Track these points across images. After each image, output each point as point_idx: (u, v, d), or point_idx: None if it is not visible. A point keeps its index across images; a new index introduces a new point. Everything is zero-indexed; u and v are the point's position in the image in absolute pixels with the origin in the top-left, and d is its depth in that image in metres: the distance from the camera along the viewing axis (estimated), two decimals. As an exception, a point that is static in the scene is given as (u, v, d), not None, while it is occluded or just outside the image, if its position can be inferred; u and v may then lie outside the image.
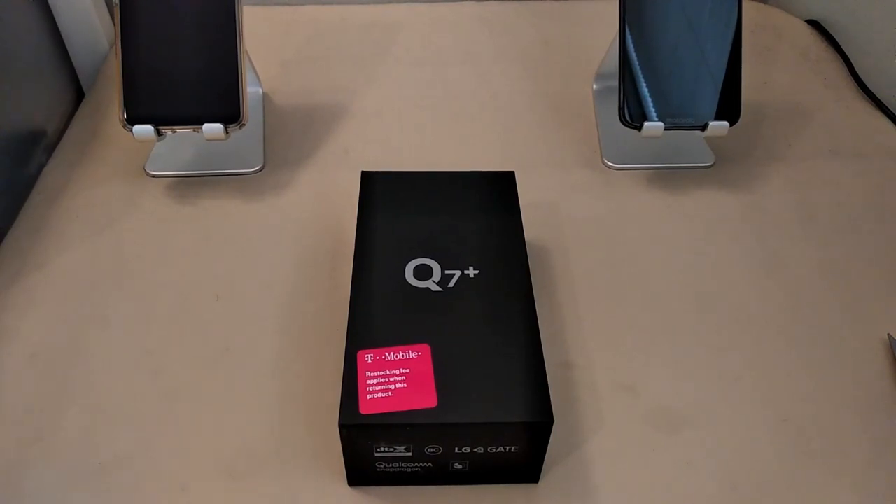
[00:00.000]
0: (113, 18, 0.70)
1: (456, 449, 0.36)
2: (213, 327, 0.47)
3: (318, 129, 0.62)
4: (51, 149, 0.60)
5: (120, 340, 0.46)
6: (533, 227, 0.53)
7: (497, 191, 0.46)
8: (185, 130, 0.53)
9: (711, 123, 0.54)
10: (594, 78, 0.66)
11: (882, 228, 0.54)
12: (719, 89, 0.55)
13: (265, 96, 0.65)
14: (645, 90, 0.54)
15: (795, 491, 0.39)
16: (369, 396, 0.35)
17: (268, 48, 0.70)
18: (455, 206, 0.45)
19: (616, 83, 0.57)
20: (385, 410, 0.35)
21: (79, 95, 0.68)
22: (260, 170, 0.58)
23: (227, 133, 0.53)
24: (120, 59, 0.52)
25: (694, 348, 0.46)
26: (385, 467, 0.38)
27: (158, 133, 0.53)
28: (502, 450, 0.37)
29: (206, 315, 0.47)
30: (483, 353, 0.37)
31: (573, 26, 0.74)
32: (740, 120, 0.55)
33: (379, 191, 0.46)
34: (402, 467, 0.38)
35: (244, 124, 0.53)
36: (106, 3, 0.70)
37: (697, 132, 0.56)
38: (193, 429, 0.42)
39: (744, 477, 0.40)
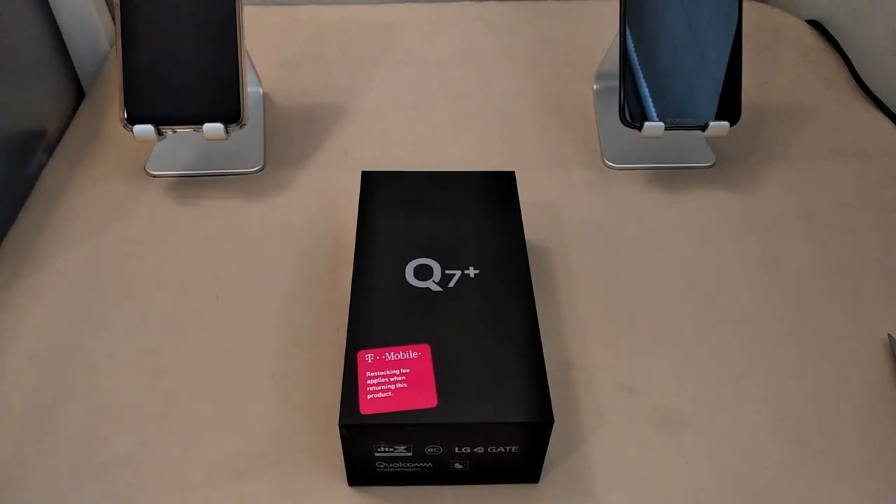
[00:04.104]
0: (113, 18, 0.70)
1: (456, 449, 0.36)
2: (213, 327, 0.47)
3: (318, 129, 0.62)
4: (51, 149, 0.60)
5: (120, 340, 0.46)
6: (533, 227, 0.53)
7: (497, 191, 0.46)
8: (185, 130, 0.53)
9: (712, 123, 0.54)
10: (594, 78, 0.66)
11: (882, 229, 0.54)
12: (719, 89, 0.55)
13: (265, 96, 0.65)
14: (645, 90, 0.54)
15: (795, 491, 0.39)
16: (369, 396, 0.35)
17: (268, 48, 0.70)
18: (455, 206, 0.45)
19: (616, 83, 0.57)
20: (385, 410, 0.35)
21: (79, 95, 0.68)
22: (260, 170, 0.58)
23: (227, 133, 0.53)
24: (120, 58, 0.52)
25: (694, 348, 0.46)
26: (385, 467, 0.38)
27: (159, 133, 0.53)
28: (502, 450, 0.37)
29: (206, 315, 0.47)
30: (483, 353, 0.37)
31: (573, 26, 0.74)
32: (740, 120, 0.55)
33: (379, 191, 0.46)
34: (402, 467, 0.38)
35: (244, 124, 0.53)
36: (106, 2, 0.70)
37: (698, 132, 0.56)
38: (193, 429, 0.42)
39: (743, 477, 0.40)
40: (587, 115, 0.64)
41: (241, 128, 0.53)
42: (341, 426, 0.35)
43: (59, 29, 0.65)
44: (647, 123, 0.54)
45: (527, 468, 0.38)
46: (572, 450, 0.41)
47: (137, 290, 0.49)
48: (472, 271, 0.41)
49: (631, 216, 0.54)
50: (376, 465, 0.37)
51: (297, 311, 0.48)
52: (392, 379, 0.36)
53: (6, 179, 0.55)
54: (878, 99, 0.65)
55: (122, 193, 0.55)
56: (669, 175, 0.58)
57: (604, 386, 0.44)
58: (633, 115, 0.54)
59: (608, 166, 0.59)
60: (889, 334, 0.46)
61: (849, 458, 0.41)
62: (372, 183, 0.47)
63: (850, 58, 0.69)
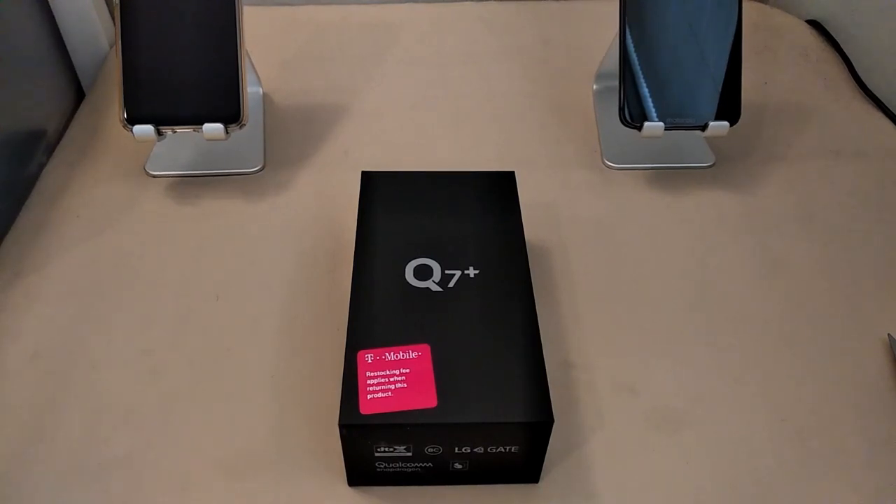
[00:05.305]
0: (113, 18, 0.70)
1: (456, 449, 0.36)
2: (213, 327, 0.47)
3: (318, 129, 0.62)
4: (51, 149, 0.60)
5: (120, 340, 0.46)
6: (533, 227, 0.53)
7: (497, 191, 0.46)
8: (185, 130, 0.53)
9: (711, 123, 0.54)
10: (594, 78, 0.66)
11: (882, 229, 0.54)
12: (719, 89, 0.55)
13: (265, 96, 0.65)
14: (645, 90, 0.54)
15: (795, 491, 0.39)
16: (369, 396, 0.35)
17: (268, 48, 0.70)
18: (455, 206, 0.45)
19: (616, 83, 0.57)
20: (385, 410, 0.35)
21: (79, 95, 0.68)
22: (260, 170, 0.58)
23: (227, 133, 0.53)
24: (120, 58, 0.52)
25: (694, 348, 0.46)
26: (385, 467, 0.38)
27: (158, 133, 0.53)
28: (502, 450, 0.37)
29: (206, 315, 0.47)
30: (483, 353, 0.37)
31: (573, 26, 0.74)
32: (740, 120, 0.55)
33: (379, 191, 0.46)
34: (402, 467, 0.38)
35: (244, 124, 0.53)
36: (106, 2, 0.70)
37: (697, 132, 0.56)
38: (193, 429, 0.42)
39: (743, 477, 0.40)
40: (587, 115, 0.64)
41: (241, 128, 0.53)
42: (341, 426, 0.35)
43: (58, 29, 0.65)
44: (646, 123, 0.54)
45: (527, 468, 0.38)
46: (572, 450, 0.41)
47: (137, 290, 0.49)
48: (471, 271, 0.41)
49: (631, 216, 0.54)
50: (376, 465, 0.37)
51: (297, 311, 0.48)
52: (392, 379, 0.36)
53: (6, 179, 0.55)
54: (878, 99, 0.65)
55: (122, 193, 0.55)
56: (669, 175, 0.58)
57: (604, 386, 0.44)
58: (632, 115, 0.54)
59: (608, 166, 0.59)
60: (889, 334, 0.46)
61: (849, 458, 0.41)
62: (372, 183, 0.47)
63: (850, 58, 0.69)
